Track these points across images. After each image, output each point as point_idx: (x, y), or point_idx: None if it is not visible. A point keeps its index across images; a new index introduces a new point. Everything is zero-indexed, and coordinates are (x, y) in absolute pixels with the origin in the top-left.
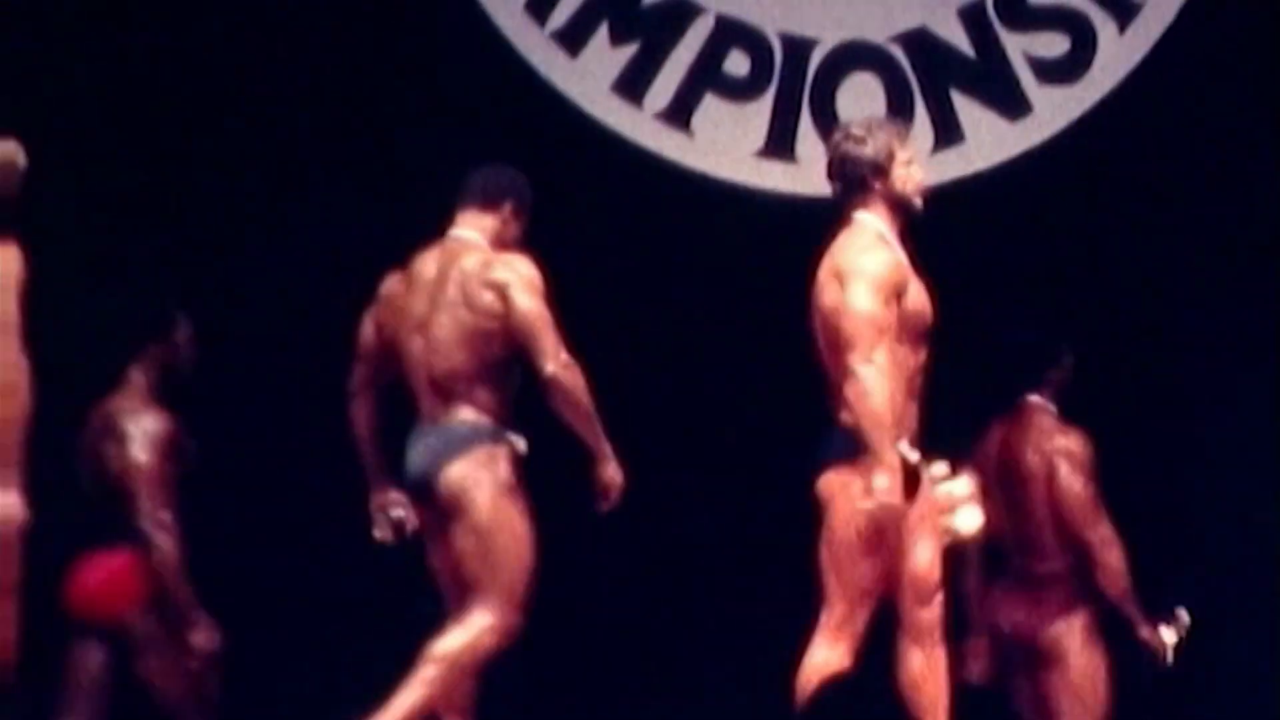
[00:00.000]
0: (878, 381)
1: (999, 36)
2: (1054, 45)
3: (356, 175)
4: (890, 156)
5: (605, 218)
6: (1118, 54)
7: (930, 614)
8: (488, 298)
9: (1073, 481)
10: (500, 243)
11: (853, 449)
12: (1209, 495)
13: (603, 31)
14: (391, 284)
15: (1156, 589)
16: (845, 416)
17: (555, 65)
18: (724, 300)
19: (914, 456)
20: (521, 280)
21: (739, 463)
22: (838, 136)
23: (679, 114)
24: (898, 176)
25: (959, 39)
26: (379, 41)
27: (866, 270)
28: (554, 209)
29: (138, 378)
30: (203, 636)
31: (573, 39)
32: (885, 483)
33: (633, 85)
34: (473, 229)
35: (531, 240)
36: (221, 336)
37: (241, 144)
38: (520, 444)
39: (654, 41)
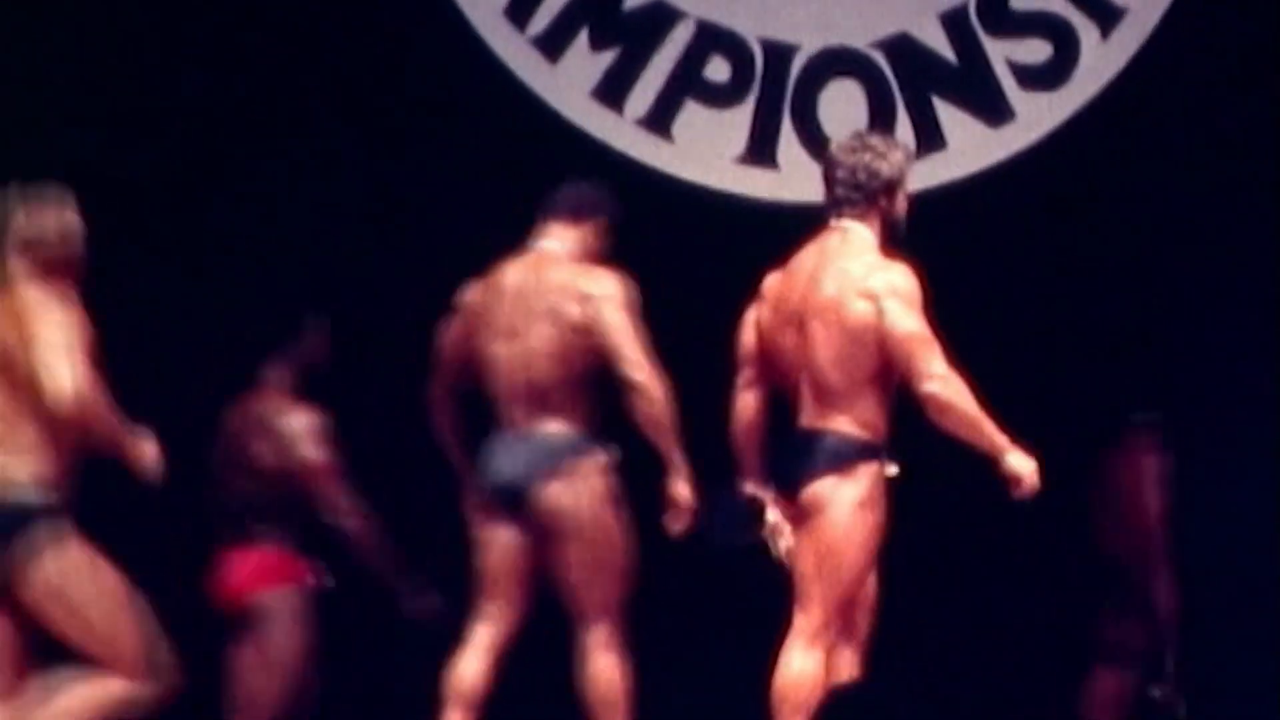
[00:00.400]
0: (956, 386)
1: (981, 42)
2: (1036, 51)
3: (338, 178)
4: (902, 178)
5: None
6: (1100, 60)
7: (868, 624)
8: (576, 310)
9: (1151, 498)
10: (585, 257)
11: (844, 457)
12: (1208, 496)
13: (583, 37)
14: (472, 293)
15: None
16: (840, 425)
17: (535, 71)
18: (704, 307)
19: (893, 470)
20: (610, 293)
21: (716, 467)
22: (853, 144)
23: (659, 120)
24: (899, 200)
25: (941, 45)
26: (358, 47)
27: (902, 288)
28: (534, 216)
29: (274, 377)
30: (427, 600)
31: (552, 45)
32: (1023, 461)
33: (613, 91)
34: (559, 241)
35: (513, 247)
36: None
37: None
38: (611, 454)
39: (634, 47)
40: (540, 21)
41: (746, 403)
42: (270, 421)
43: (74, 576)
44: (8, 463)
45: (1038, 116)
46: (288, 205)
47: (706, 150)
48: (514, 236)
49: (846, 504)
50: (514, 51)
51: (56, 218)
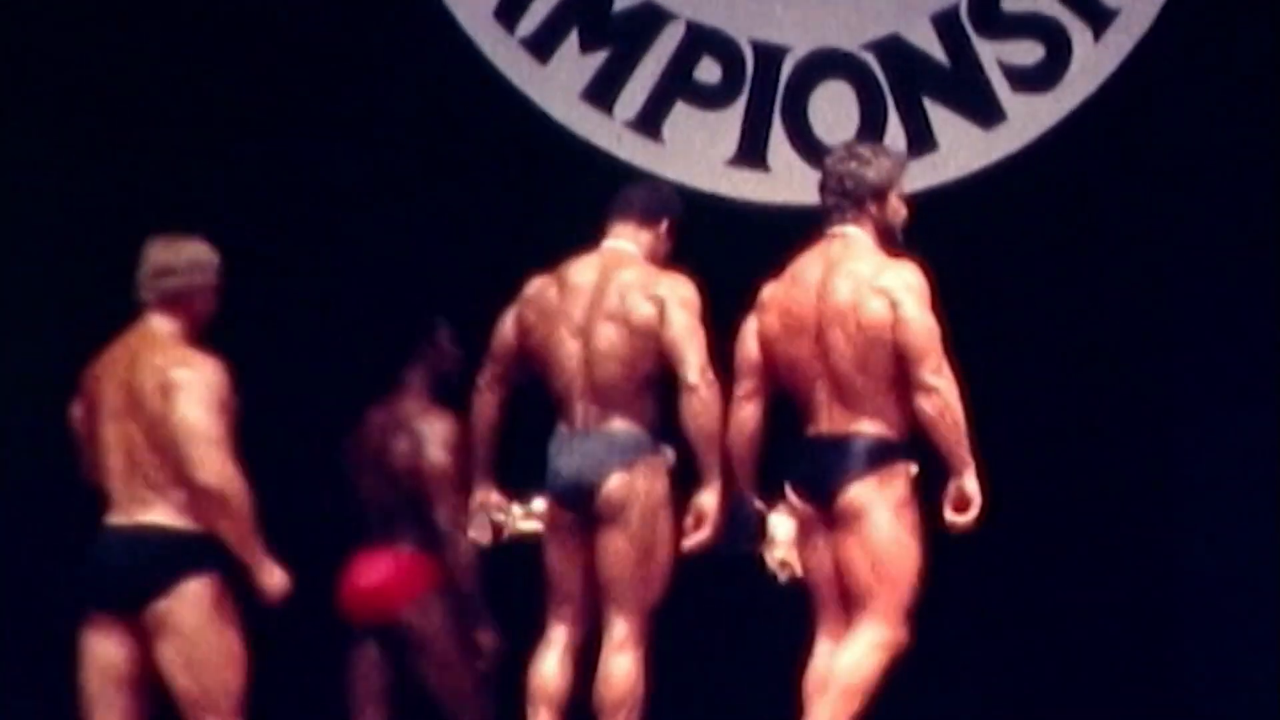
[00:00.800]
0: (953, 391)
1: (973, 44)
2: (1028, 52)
3: (328, 179)
4: (891, 184)
5: (575, 226)
6: (1093, 61)
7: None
8: (648, 310)
9: None
10: (653, 257)
11: (880, 459)
12: (1209, 496)
13: (572, 38)
14: (540, 286)
15: (1156, 589)
16: (870, 428)
17: (524, 72)
18: None
19: (914, 469)
20: (679, 296)
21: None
22: (841, 153)
23: (649, 122)
24: (891, 206)
25: (932, 46)
26: (347, 47)
27: (914, 285)
28: (523, 218)
29: (414, 381)
30: (488, 637)
31: (542, 46)
32: (976, 488)
33: (603, 93)
34: (629, 241)
35: (501, 249)
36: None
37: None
38: (671, 456)
39: (624, 48)
40: (530, 22)
41: (748, 414)
42: (411, 422)
43: (196, 617)
44: (147, 496)
45: (1029, 118)
46: (283, 205)
47: (697, 152)
48: (505, 237)
49: (889, 506)
50: (503, 52)
51: (187, 247)
